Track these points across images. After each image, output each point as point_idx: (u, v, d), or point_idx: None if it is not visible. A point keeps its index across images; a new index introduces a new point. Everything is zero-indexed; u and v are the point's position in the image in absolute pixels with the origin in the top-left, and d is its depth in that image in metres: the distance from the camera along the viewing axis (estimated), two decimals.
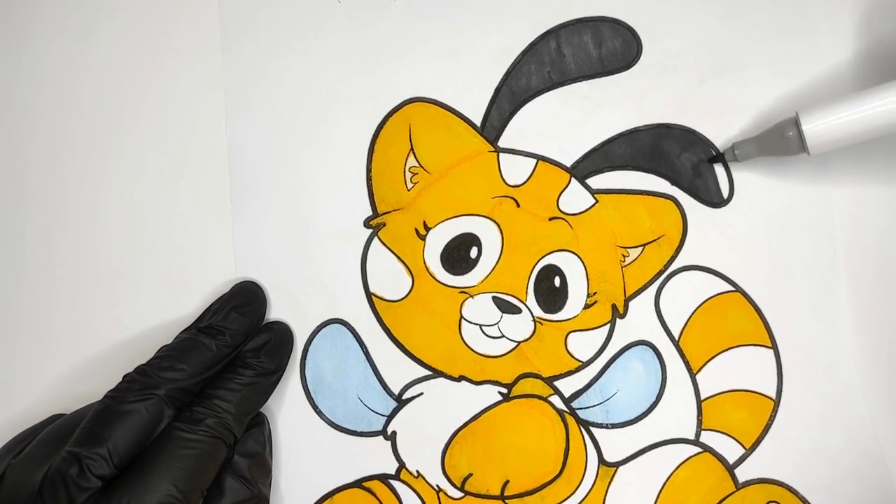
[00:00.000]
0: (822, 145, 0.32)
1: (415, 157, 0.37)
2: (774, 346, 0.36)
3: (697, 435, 0.36)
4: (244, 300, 0.35)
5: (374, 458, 0.36)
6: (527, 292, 0.36)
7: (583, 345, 0.36)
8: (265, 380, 0.34)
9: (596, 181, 0.37)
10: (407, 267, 0.37)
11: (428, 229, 0.37)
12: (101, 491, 0.29)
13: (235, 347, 0.34)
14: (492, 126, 0.37)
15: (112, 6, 0.39)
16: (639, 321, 0.36)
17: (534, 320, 0.36)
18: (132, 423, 0.30)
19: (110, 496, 0.29)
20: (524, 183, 0.37)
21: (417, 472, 0.36)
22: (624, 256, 0.37)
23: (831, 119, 0.32)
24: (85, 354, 0.37)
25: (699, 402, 0.36)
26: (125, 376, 0.32)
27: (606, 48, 0.37)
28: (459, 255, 0.37)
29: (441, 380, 0.36)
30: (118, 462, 0.30)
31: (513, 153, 0.37)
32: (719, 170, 0.37)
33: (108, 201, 0.38)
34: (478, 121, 0.37)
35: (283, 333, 0.36)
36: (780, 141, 0.33)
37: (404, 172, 0.37)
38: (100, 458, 0.29)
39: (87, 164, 0.38)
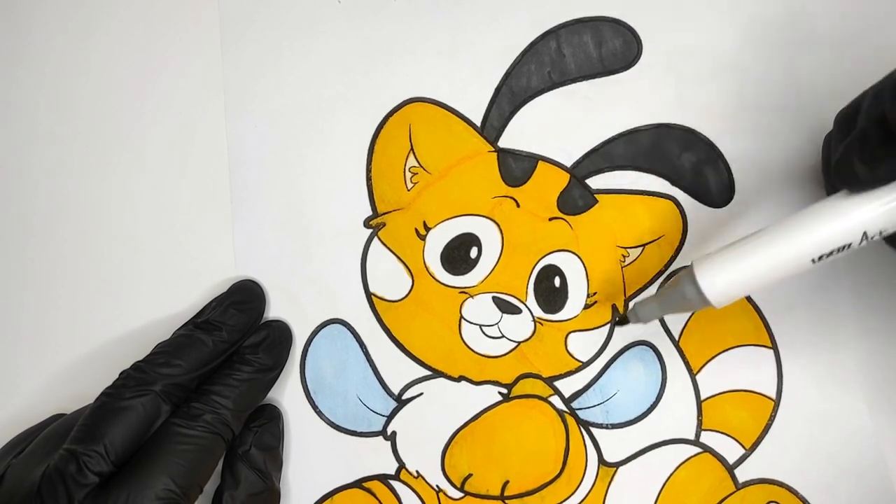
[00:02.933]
0: (728, 299, 0.28)
1: (415, 157, 0.37)
2: (774, 346, 0.36)
3: (697, 435, 0.36)
4: (242, 297, 0.35)
5: (374, 458, 0.36)
6: (527, 292, 0.36)
7: (583, 345, 0.36)
8: (263, 376, 0.34)
9: (596, 181, 0.37)
10: (407, 267, 0.37)
11: (428, 229, 0.37)
12: (100, 487, 0.29)
13: (232, 344, 0.34)
14: (492, 126, 0.37)
15: (112, 6, 0.39)
16: None
17: (534, 320, 0.36)
18: (128, 419, 0.30)
19: (108, 493, 0.29)
20: (524, 183, 0.37)
21: (417, 472, 0.36)
22: (624, 256, 0.37)
23: (730, 272, 0.28)
24: (86, 354, 0.37)
25: (699, 402, 0.36)
26: (121, 373, 0.32)
27: (606, 48, 0.37)
28: (459, 255, 0.37)
29: (441, 380, 0.36)
30: (115, 459, 0.30)
31: (513, 153, 0.37)
32: (719, 170, 0.37)
33: (108, 201, 0.38)
34: (478, 121, 0.37)
35: (281, 331, 0.36)
36: (682, 301, 0.29)
37: (404, 172, 0.37)
38: (97, 455, 0.29)
39: (88, 164, 0.38)
